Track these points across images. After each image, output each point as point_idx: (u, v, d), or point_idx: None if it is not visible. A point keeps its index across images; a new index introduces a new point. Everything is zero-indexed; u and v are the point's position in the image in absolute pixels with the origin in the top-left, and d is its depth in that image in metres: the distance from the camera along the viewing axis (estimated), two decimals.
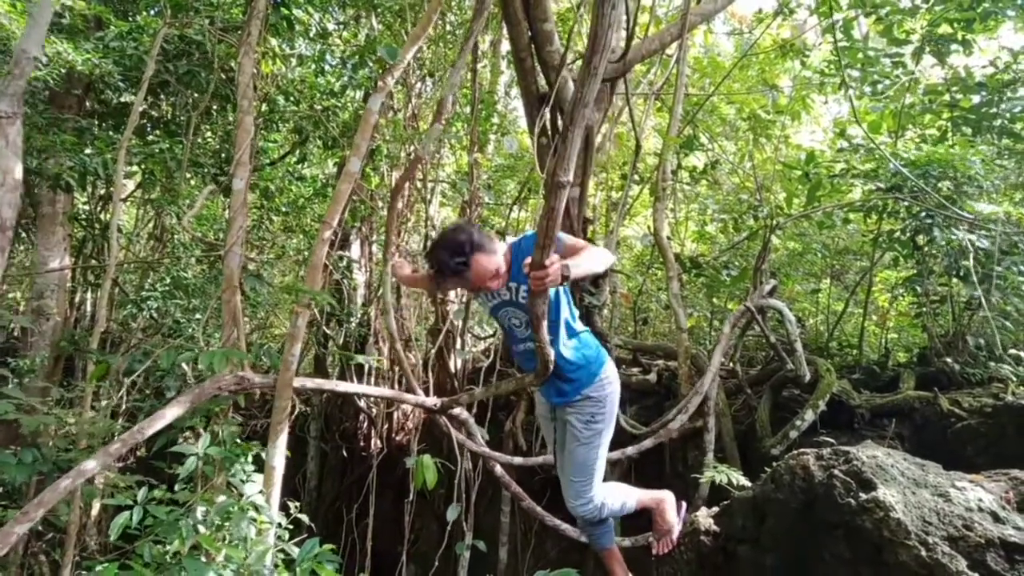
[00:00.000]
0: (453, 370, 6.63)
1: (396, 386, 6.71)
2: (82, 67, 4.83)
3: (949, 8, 5.04)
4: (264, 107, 5.68)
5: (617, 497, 3.02)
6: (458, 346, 6.54)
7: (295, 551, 2.86)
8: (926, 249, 4.99)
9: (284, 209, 6.71)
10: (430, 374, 5.91)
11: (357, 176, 3.91)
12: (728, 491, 3.54)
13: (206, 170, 5.50)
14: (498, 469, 4.30)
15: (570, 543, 4.37)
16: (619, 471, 5.05)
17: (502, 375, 6.29)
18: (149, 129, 5.88)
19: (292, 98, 5.79)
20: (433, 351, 6.21)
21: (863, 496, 2.50)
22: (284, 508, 3.45)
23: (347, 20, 6.56)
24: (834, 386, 4.53)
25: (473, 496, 5.53)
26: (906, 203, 4.88)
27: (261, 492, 3.17)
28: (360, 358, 5.60)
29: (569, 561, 3.94)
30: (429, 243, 2.59)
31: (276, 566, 2.89)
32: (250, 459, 3.33)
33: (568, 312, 2.76)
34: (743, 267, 6.19)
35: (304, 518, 3.41)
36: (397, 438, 7.39)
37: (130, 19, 5.59)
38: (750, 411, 5.03)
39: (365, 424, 7.61)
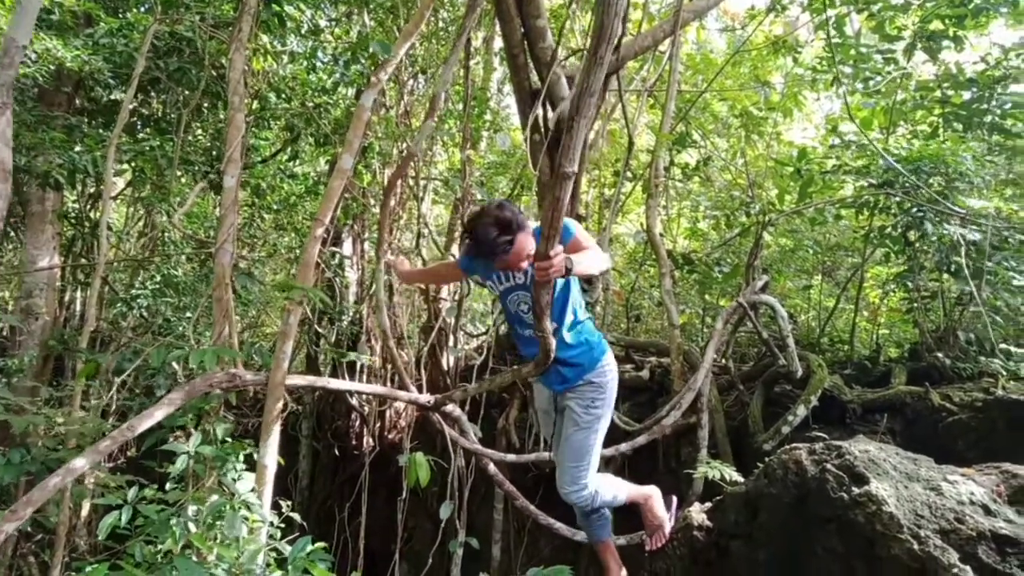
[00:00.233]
0: (446, 368, 6.62)
1: (389, 384, 6.69)
2: (71, 64, 4.79)
3: (941, 4, 5.06)
4: (255, 104, 5.65)
5: (609, 488, 3.03)
6: (451, 344, 6.53)
7: (287, 550, 2.85)
8: (917, 245, 5.01)
9: (275, 207, 6.68)
10: (423, 372, 5.89)
11: (349, 173, 3.89)
12: (721, 487, 3.54)
13: (197, 168, 5.47)
14: (491, 467, 4.30)
15: (563, 541, 4.37)
16: (612, 468, 5.05)
17: (495, 372, 6.28)
18: (139, 127, 5.83)
19: (284, 95, 5.76)
20: (425, 349, 6.20)
21: (856, 490, 2.51)
22: (276, 507, 3.43)
23: (339, 17, 6.53)
24: (826, 381, 4.54)
25: (466, 494, 5.53)
26: (898, 199, 4.89)
27: (253, 491, 3.15)
28: (352, 355, 5.58)
29: (562, 559, 3.93)
30: (469, 218, 2.60)
31: (268, 565, 2.88)
32: (241, 458, 3.31)
33: (576, 298, 2.82)
34: (735, 264, 6.20)
35: (296, 517, 3.39)
36: (389, 436, 7.37)
37: (120, 16, 5.55)
38: (742, 407, 5.03)
39: (357, 422, 7.59)
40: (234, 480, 3.18)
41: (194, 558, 2.67)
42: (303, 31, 5.76)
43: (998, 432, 3.90)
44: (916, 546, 2.27)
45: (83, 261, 6.54)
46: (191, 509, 2.95)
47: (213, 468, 3.27)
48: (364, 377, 7.07)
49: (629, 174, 6.92)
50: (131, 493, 2.91)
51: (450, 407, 3.96)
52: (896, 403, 4.48)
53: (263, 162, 6.57)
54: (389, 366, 6.76)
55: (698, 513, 3.35)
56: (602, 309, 6.28)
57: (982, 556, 2.23)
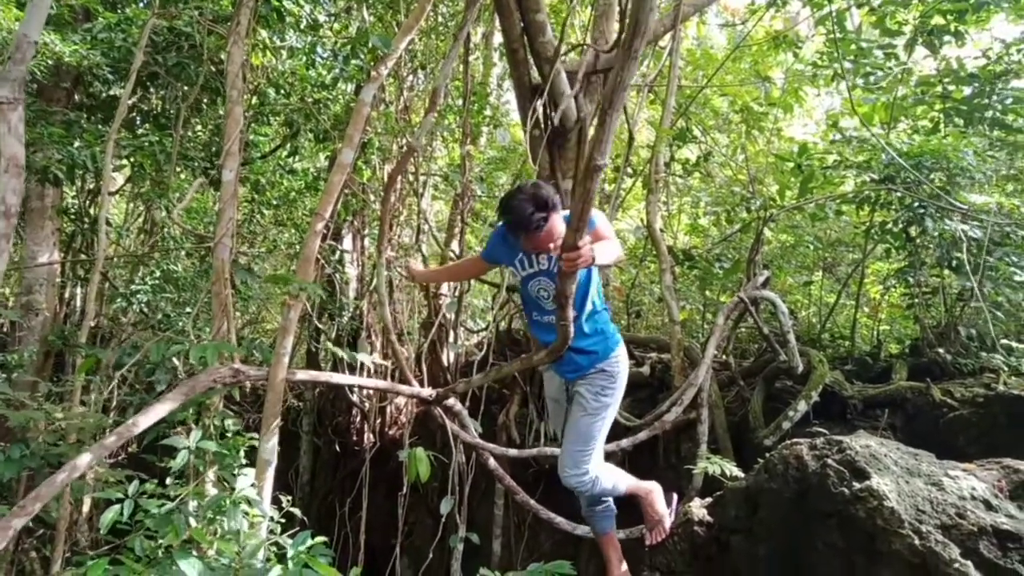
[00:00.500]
0: (446, 364, 6.62)
1: (390, 379, 6.69)
2: (70, 59, 4.77)
3: None
4: (254, 100, 5.63)
5: (610, 477, 3.07)
6: (451, 340, 6.53)
7: (288, 544, 2.85)
8: (918, 241, 5.00)
9: (275, 203, 6.67)
10: (423, 367, 5.89)
11: (349, 168, 3.89)
12: (721, 482, 3.54)
13: (196, 163, 5.45)
14: (492, 462, 4.30)
15: (564, 536, 4.38)
16: (613, 463, 5.04)
17: (495, 368, 6.27)
18: (138, 122, 5.82)
19: (283, 91, 5.74)
20: (426, 345, 6.19)
21: (857, 485, 2.51)
22: (277, 502, 3.43)
23: (338, 12, 6.51)
24: (827, 377, 4.53)
25: (467, 489, 5.52)
26: (899, 194, 4.88)
27: (253, 486, 3.15)
28: (357, 356, 5.57)
29: (563, 554, 3.92)
30: (504, 196, 2.66)
31: (268, 559, 2.88)
32: (243, 453, 3.31)
33: (596, 288, 2.88)
34: (736, 259, 6.19)
35: (297, 512, 3.39)
36: (390, 432, 7.38)
37: (119, 10, 5.53)
38: (743, 403, 5.03)
39: (358, 418, 7.59)
40: (234, 475, 3.18)
41: (194, 553, 2.67)
42: (302, 26, 5.74)
43: (999, 428, 3.89)
44: (917, 541, 2.27)
45: (83, 257, 6.52)
46: (192, 504, 2.95)
47: (213, 463, 3.27)
48: (364, 373, 7.07)
49: (629, 170, 6.92)
50: (131, 488, 2.91)
51: (451, 401, 3.96)
52: (897, 399, 4.47)
53: (262, 158, 6.55)
54: (390, 362, 6.76)
55: (698, 508, 3.35)
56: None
57: (983, 551, 2.23)
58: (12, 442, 3.67)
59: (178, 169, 5.41)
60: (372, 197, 6.69)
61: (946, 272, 4.98)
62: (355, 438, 7.56)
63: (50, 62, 4.96)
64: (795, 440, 2.97)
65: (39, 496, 2.50)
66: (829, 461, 2.66)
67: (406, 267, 3.70)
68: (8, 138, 3.07)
